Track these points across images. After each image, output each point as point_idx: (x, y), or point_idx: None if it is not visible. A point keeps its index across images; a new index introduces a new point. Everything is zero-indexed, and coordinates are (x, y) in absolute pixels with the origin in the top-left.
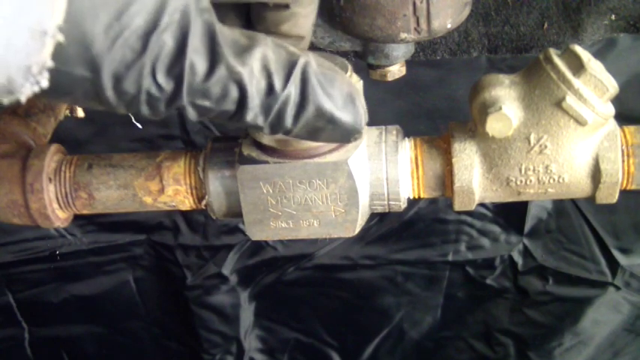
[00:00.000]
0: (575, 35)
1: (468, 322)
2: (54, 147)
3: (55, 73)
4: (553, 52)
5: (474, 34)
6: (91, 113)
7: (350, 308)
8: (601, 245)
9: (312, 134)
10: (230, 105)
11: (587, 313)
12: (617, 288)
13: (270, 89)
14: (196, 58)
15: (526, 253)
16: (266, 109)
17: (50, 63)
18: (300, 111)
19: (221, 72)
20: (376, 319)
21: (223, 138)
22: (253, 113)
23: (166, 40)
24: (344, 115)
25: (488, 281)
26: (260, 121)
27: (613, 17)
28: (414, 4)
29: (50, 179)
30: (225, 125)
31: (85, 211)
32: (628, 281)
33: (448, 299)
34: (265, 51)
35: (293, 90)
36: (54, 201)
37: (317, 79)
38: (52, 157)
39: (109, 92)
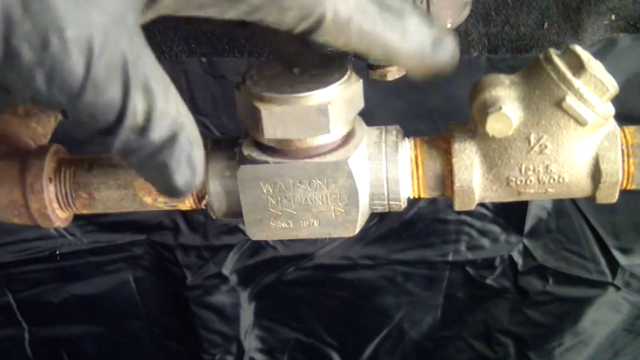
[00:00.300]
0: (575, 35)
1: (468, 322)
2: (54, 147)
3: None
4: (553, 52)
5: (474, 34)
6: None
7: (350, 308)
8: (601, 245)
9: (142, 173)
10: (106, 123)
11: (587, 313)
12: (617, 288)
13: (140, 133)
14: (101, 75)
15: (526, 253)
16: (127, 140)
17: None
18: (149, 157)
19: (115, 92)
20: (376, 319)
21: (223, 138)
22: (119, 140)
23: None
24: (178, 178)
25: (489, 281)
26: (116, 144)
27: (613, 17)
28: (414, 3)
29: (50, 179)
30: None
31: (85, 211)
32: (628, 281)
33: (448, 299)
34: (156, 96)
35: (154, 139)
36: (54, 201)
37: (181, 143)
38: (52, 157)
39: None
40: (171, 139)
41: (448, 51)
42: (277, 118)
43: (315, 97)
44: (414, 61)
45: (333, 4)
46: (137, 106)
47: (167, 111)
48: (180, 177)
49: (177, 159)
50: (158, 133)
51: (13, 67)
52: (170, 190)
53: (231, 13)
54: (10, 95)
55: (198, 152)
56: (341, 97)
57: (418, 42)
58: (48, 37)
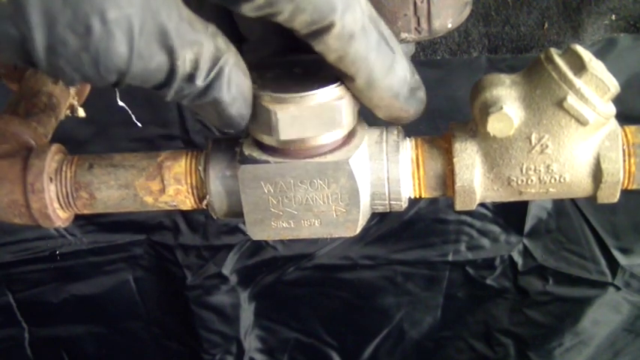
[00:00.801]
0: (575, 35)
1: (468, 322)
2: (55, 147)
3: None
4: (554, 52)
5: (474, 34)
6: (91, 113)
7: (350, 308)
8: (601, 245)
9: (199, 111)
10: (156, 81)
11: (587, 313)
12: (617, 288)
13: (190, 78)
14: (145, 49)
15: (526, 253)
16: (178, 90)
17: None
18: (199, 97)
19: (161, 58)
20: (376, 319)
21: (224, 138)
22: (172, 91)
23: (115, 32)
24: (233, 111)
25: (489, 281)
26: (169, 95)
27: (613, 17)
28: (415, 3)
29: (51, 179)
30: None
31: (85, 211)
32: (628, 281)
33: (448, 299)
34: (201, 44)
35: (204, 84)
36: (55, 201)
37: (227, 78)
38: (52, 157)
39: (42, 63)
40: (219, 74)
41: (418, 101)
42: (294, 119)
43: (328, 93)
44: (388, 99)
45: (343, 16)
46: (185, 61)
47: (212, 51)
48: (234, 108)
49: (228, 90)
50: (205, 74)
51: (61, 56)
52: (227, 122)
53: (246, 7)
54: (59, 79)
55: (246, 81)
56: (349, 92)
57: (400, 82)
58: (90, 23)
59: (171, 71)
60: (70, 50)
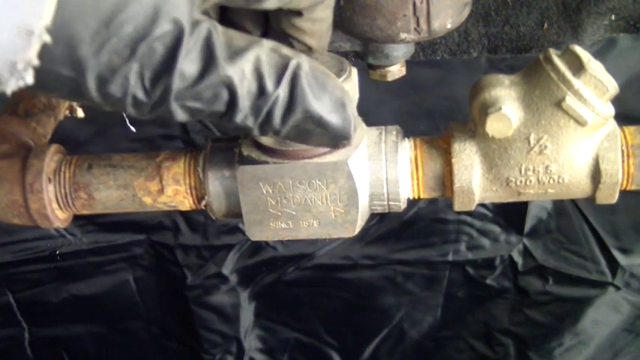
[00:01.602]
0: (575, 35)
1: (468, 322)
2: (54, 147)
3: (41, 71)
4: (553, 53)
5: (473, 34)
6: (91, 113)
7: (350, 308)
8: (601, 245)
9: (302, 136)
10: (220, 106)
11: (587, 313)
12: (617, 288)
13: (260, 91)
14: (188, 66)
15: (526, 253)
16: (255, 110)
17: (36, 61)
18: (288, 113)
19: (212, 77)
20: (376, 319)
21: (223, 138)
22: (243, 114)
23: (157, 48)
24: (333, 119)
25: (489, 281)
26: (250, 122)
27: (613, 17)
28: (414, 4)
29: (50, 179)
30: (221, 125)
31: (84, 212)
32: (628, 281)
33: (448, 299)
34: (258, 53)
35: (282, 92)
36: (53, 201)
37: (307, 81)
38: (51, 157)
39: (94, 93)
40: (295, 81)
41: None
42: None
43: None
44: None
45: None
46: (243, 74)
47: (269, 57)
48: (334, 116)
49: (314, 97)
50: (274, 79)
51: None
52: (336, 135)
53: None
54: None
55: (330, 81)
56: (350, 89)
57: None
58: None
59: (231, 91)
60: (117, 70)
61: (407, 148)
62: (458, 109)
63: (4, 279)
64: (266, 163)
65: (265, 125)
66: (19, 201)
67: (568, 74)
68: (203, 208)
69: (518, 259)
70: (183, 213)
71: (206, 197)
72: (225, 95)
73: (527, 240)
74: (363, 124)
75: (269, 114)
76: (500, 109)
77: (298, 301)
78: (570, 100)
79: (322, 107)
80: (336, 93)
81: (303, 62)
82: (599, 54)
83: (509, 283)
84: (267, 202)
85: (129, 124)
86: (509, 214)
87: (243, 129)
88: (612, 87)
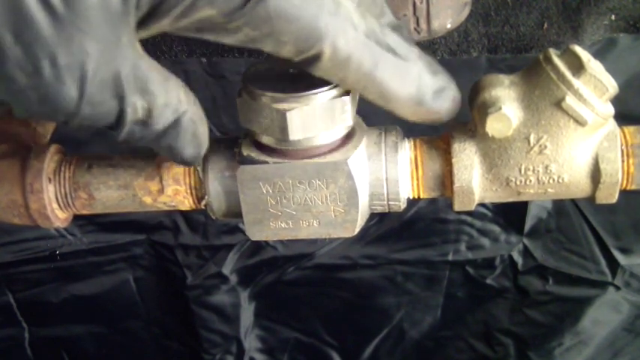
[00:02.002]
0: (575, 35)
1: (468, 322)
2: (54, 147)
3: None
4: (553, 53)
5: (473, 34)
6: None
7: (350, 308)
8: (601, 245)
9: (154, 148)
10: (105, 123)
11: (587, 313)
12: (617, 288)
13: (144, 124)
14: (96, 95)
15: (526, 253)
16: (130, 132)
17: None
18: (154, 142)
19: (111, 104)
20: (376, 319)
21: (223, 138)
22: (123, 134)
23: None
24: (185, 153)
25: (488, 281)
26: (120, 136)
27: (613, 17)
28: (414, 4)
29: (50, 179)
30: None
31: (84, 212)
32: (628, 281)
33: (448, 299)
34: (154, 95)
35: (157, 130)
36: (53, 201)
37: (184, 127)
38: (51, 157)
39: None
40: (175, 124)
41: (448, 101)
42: (305, 118)
43: (335, 89)
44: (410, 108)
45: (332, 40)
46: (136, 108)
47: (168, 103)
48: (187, 152)
49: (182, 139)
50: (160, 123)
51: (8, 91)
52: (180, 162)
53: (228, 40)
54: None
55: (201, 129)
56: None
57: (418, 89)
58: (40, 65)
59: (121, 117)
60: (18, 87)
61: (407, 148)
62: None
63: (4, 279)
64: (266, 162)
65: (125, 137)
66: (19, 201)
67: (568, 74)
68: (203, 208)
69: (518, 259)
70: (183, 213)
71: (206, 197)
72: (112, 119)
73: (527, 240)
74: (363, 124)
75: (136, 136)
76: (500, 109)
77: (298, 301)
78: (570, 100)
79: (182, 145)
80: (201, 138)
81: (190, 109)
82: (599, 54)
83: (509, 283)
84: (267, 202)
85: None
86: (509, 214)
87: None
88: (612, 87)
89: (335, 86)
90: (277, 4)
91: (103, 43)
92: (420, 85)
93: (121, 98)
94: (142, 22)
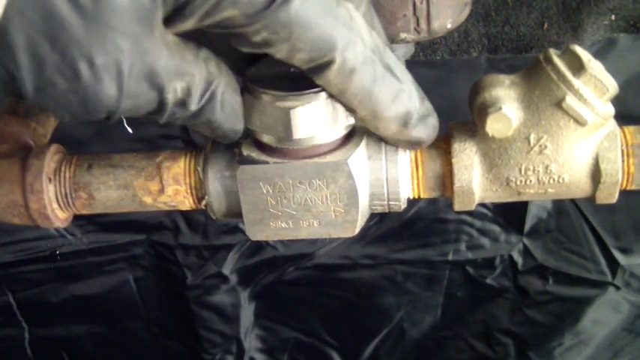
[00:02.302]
0: (575, 35)
1: (468, 322)
2: (54, 147)
3: None
4: (553, 53)
5: (474, 34)
6: None
7: (350, 308)
8: (601, 245)
9: (193, 127)
10: (147, 112)
11: (587, 313)
12: (617, 288)
13: (183, 104)
14: (134, 89)
15: (526, 252)
16: (171, 114)
17: None
18: (194, 118)
19: (151, 94)
20: (376, 319)
21: None
22: (165, 117)
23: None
24: (225, 127)
25: (488, 281)
26: (162, 120)
27: (613, 17)
28: (414, 4)
29: (50, 179)
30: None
31: (84, 212)
32: (628, 281)
33: (448, 299)
34: (192, 75)
35: (196, 107)
36: (53, 201)
37: (221, 99)
38: (51, 157)
39: (32, 101)
40: (211, 96)
41: (431, 127)
42: (309, 116)
43: None
44: (395, 128)
45: (342, 52)
46: (176, 91)
47: (204, 77)
48: (227, 125)
49: (219, 111)
50: (199, 99)
51: (50, 97)
52: (222, 137)
53: (244, 44)
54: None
55: (237, 98)
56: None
57: (407, 111)
58: (78, 67)
59: (162, 103)
60: (59, 92)
61: None
62: (458, 109)
63: (4, 279)
64: (266, 162)
65: (166, 120)
66: (19, 201)
67: (568, 74)
68: (203, 207)
69: (518, 259)
70: (183, 213)
71: (206, 197)
72: (154, 105)
73: (527, 240)
74: None
75: (177, 116)
76: (500, 109)
77: (298, 300)
78: (570, 100)
79: (221, 117)
80: (237, 107)
81: (222, 80)
82: (599, 54)
83: (509, 283)
84: (267, 202)
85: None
86: (509, 214)
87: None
88: (612, 87)
89: None
90: (298, 10)
91: (135, 38)
92: (409, 107)
93: (160, 88)
94: (168, 20)
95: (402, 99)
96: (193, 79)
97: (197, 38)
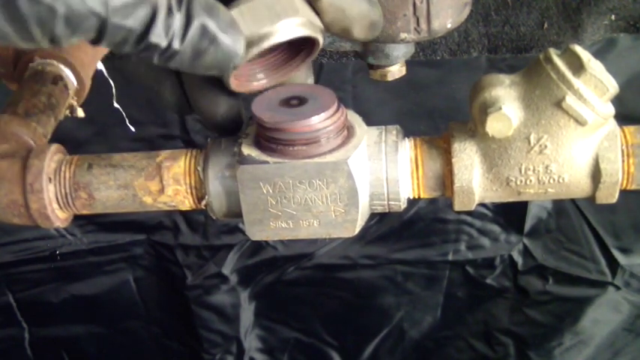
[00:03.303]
0: (575, 35)
1: (467, 322)
2: (54, 147)
3: None
4: (553, 52)
5: (474, 34)
6: (91, 113)
7: (350, 308)
8: (601, 245)
9: (197, 56)
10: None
11: (587, 313)
12: (617, 288)
13: (169, 10)
14: None
15: (526, 252)
16: (166, 27)
17: None
18: (186, 27)
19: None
20: (376, 319)
21: (223, 138)
22: (157, 33)
23: None
24: (225, 38)
25: (488, 281)
26: (162, 41)
27: (613, 17)
28: (414, 4)
29: (50, 179)
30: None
31: (84, 212)
32: (628, 281)
33: (448, 299)
34: None
35: (182, 13)
36: (54, 201)
37: (201, 3)
38: (52, 157)
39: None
40: (211, 9)
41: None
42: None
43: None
44: None
45: None
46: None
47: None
48: (227, 41)
49: (218, 26)
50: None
51: (33, 10)
52: (222, 60)
53: None
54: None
55: (222, 7)
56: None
57: None
58: None
59: (154, 14)
60: (45, 5)
61: (407, 147)
62: (458, 109)
63: (4, 279)
64: (266, 162)
65: (170, 47)
66: (19, 201)
67: (568, 74)
68: (203, 207)
69: (518, 259)
70: (183, 213)
71: (206, 197)
72: (147, 17)
73: (527, 240)
74: (364, 124)
75: (172, 30)
76: (501, 108)
77: (298, 301)
78: (570, 100)
79: (217, 25)
80: (227, 16)
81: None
82: (599, 54)
83: (509, 283)
84: (267, 202)
85: (128, 124)
86: (509, 214)
87: (150, 56)
88: (612, 87)
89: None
90: None
91: None
92: None
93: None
94: None
95: None
96: None
97: None
